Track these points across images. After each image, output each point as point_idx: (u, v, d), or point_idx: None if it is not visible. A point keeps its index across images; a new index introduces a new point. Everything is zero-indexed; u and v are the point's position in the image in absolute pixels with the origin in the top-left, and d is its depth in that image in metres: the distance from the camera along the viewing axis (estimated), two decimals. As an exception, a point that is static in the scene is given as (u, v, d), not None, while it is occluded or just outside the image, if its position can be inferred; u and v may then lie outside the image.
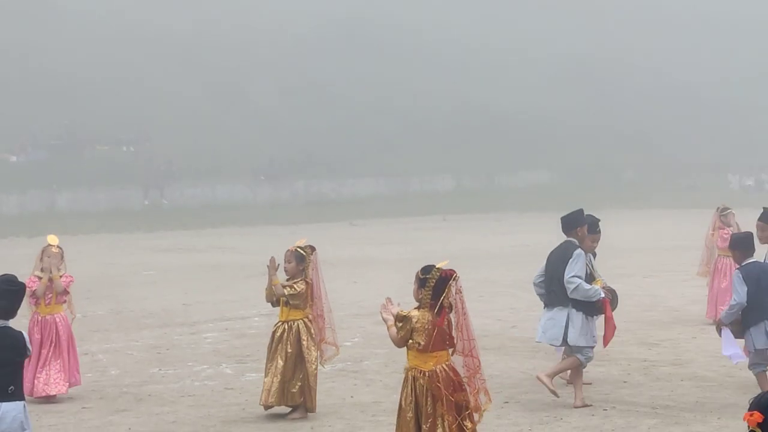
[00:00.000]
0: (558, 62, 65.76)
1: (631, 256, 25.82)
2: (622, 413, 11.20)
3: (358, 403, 12.03)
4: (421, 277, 8.34)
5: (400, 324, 8.34)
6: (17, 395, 7.70)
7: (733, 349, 11.77)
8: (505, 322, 17.55)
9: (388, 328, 8.40)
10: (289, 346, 11.44)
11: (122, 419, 11.57)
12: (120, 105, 52.85)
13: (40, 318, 12.91)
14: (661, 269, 23.95)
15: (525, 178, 55.49)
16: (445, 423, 8.26)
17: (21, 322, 13.08)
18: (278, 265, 11.96)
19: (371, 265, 27.31)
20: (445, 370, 8.32)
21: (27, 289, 12.94)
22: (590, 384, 12.60)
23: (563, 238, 12.06)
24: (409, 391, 8.38)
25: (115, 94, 53.54)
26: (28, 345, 7.81)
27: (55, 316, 12.90)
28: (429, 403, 8.31)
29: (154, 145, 51.44)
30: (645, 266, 23.75)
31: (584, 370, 12.85)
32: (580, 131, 59.51)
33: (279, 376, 11.35)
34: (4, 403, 7.62)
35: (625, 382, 12.78)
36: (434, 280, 8.22)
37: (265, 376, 11.47)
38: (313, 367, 11.45)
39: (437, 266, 8.30)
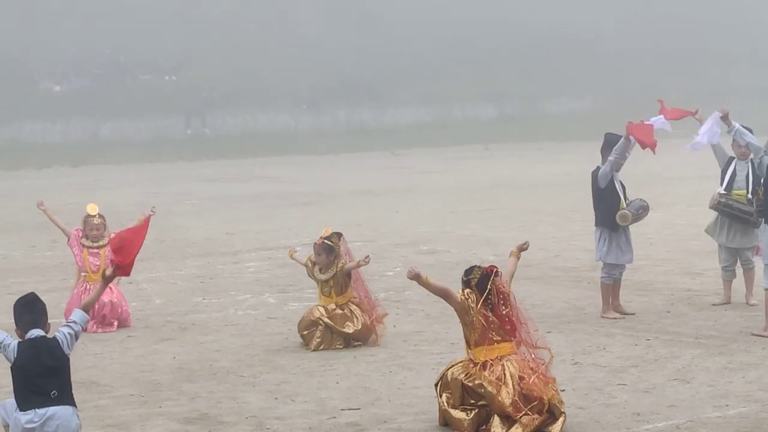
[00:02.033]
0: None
1: (675, 185, 25.62)
2: (665, 343, 11.18)
3: (400, 332, 12.07)
4: (465, 278, 8.79)
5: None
6: (63, 400, 7.77)
7: (708, 133, 11.96)
8: (548, 251, 17.49)
9: (425, 281, 8.61)
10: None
11: (167, 348, 11.68)
12: (162, 33, 52.76)
13: (88, 285, 12.92)
14: (705, 198, 23.72)
15: (567, 104, 55.01)
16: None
17: (64, 295, 13.21)
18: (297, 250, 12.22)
19: (412, 194, 27.28)
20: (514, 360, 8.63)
21: (73, 233, 13.09)
22: (633, 314, 12.59)
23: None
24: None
25: (157, 21, 53.44)
26: (65, 349, 7.88)
27: None
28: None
29: (195, 73, 51.39)
30: (689, 195, 23.55)
31: (627, 300, 12.87)
32: (623, 54, 58.82)
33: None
34: (50, 407, 7.72)
35: (668, 312, 12.74)
36: (476, 279, 8.65)
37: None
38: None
39: (477, 266, 8.78)
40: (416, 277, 8.58)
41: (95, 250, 13.04)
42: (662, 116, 12.79)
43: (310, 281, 12.66)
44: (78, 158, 40.54)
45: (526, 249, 9.25)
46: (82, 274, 13.07)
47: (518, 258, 9.24)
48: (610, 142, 12.61)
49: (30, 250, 19.15)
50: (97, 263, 13.00)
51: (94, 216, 13.15)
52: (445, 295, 8.71)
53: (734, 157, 12.83)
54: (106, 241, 13.07)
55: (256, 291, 14.87)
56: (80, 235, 13.12)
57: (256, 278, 15.89)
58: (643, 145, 12.36)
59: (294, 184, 30.84)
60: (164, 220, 22.86)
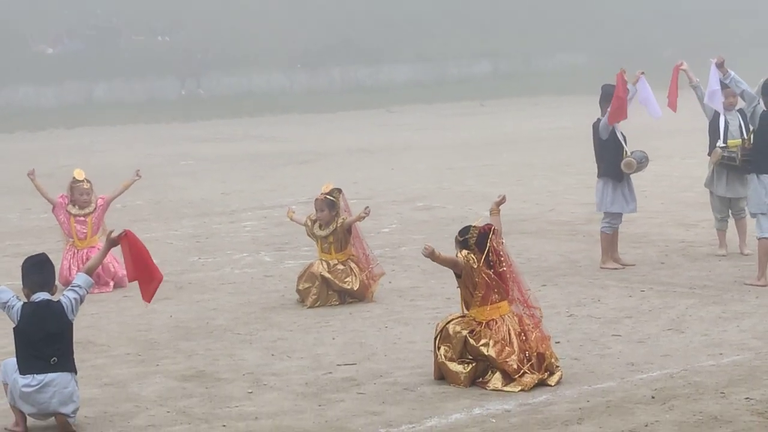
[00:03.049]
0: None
1: (669, 137, 25.63)
2: (659, 294, 11.23)
3: (396, 288, 12.12)
4: (461, 239, 8.75)
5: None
6: (62, 366, 7.82)
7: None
8: (543, 205, 17.53)
9: (437, 256, 8.60)
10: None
11: (163, 307, 11.72)
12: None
13: (76, 251, 12.89)
14: (700, 150, 23.72)
15: (562, 60, 54.81)
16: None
17: (59, 257, 13.21)
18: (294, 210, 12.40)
19: (409, 152, 27.26)
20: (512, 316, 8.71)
21: (59, 201, 13.05)
22: (633, 265, 12.63)
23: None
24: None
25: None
26: (69, 314, 7.89)
27: (94, 248, 12.75)
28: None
29: (189, 34, 51.16)
30: (683, 148, 23.56)
31: (622, 252, 12.91)
32: (617, 10, 58.63)
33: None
34: (49, 374, 7.76)
35: (662, 263, 12.79)
36: (474, 238, 8.63)
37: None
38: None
39: (473, 225, 8.72)
40: (431, 254, 8.56)
41: (82, 218, 13.00)
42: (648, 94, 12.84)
43: (307, 239, 12.69)
44: (72, 121, 40.42)
45: (503, 203, 9.17)
46: (69, 239, 13.05)
47: (499, 213, 9.18)
48: (608, 93, 12.64)
49: (25, 212, 19.16)
50: (84, 231, 12.97)
51: (82, 181, 13.06)
52: (453, 263, 8.72)
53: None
54: (93, 207, 13.03)
55: (252, 250, 14.90)
56: (66, 203, 13.06)
57: (253, 237, 15.92)
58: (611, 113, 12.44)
59: (289, 143, 30.80)
60: (159, 180, 22.86)
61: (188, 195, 20.80)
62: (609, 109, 12.49)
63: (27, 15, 48.53)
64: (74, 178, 13.14)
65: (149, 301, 8.27)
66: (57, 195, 13.18)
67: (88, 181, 13.16)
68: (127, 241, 8.08)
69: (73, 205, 13.04)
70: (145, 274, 8.16)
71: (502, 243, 8.77)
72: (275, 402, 8.39)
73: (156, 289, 8.20)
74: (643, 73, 12.90)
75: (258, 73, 49.01)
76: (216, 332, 10.57)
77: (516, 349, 8.55)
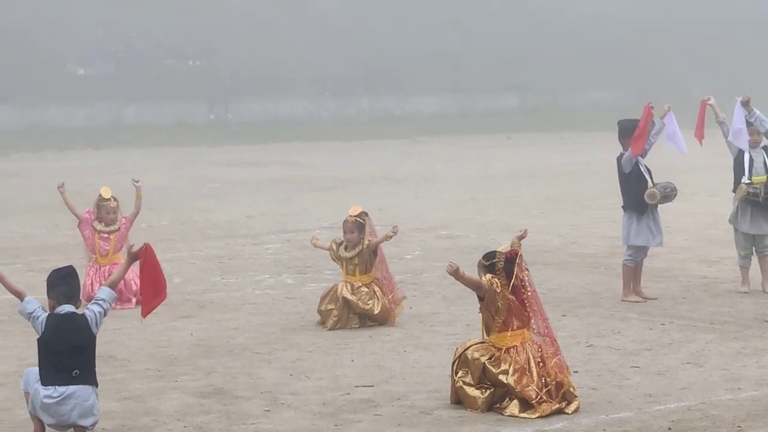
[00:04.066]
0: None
1: (695, 174, 25.58)
2: (679, 327, 11.22)
3: (416, 314, 12.14)
4: (487, 263, 8.70)
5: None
6: (84, 379, 7.86)
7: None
8: (566, 237, 17.54)
9: (461, 276, 8.58)
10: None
11: (185, 325, 11.79)
12: (186, 19, 52.88)
13: (99, 268, 13.00)
14: (726, 188, 23.68)
15: (590, 96, 54.87)
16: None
17: (80, 272, 13.31)
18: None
19: (433, 181, 27.33)
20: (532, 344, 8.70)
21: (85, 216, 13.15)
22: (655, 299, 12.63)
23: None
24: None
25: (182, 8, 53.55)
26: (93, 327, 7.95)
27: (116, 265, 12.81)
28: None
29: (219, 59, 51.49)
30: (710, 185, 23.52)
31: (644, 286, 12.90)
32: (647, 47, 58.65)
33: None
34: (70, 386, 7.82)
35: (684, 298, 12.78)
36: (502, 263, 8.61)
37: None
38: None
39: (499, 251, 8.70)
40: (455, 273, 8.56)
41: (106, 235, 13.11)
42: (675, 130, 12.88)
43: (330, 263, 12.75)
44: (101, 141, 40.69)
45: (524, 237, 9.14)
46: (92, 256, 13.15)
47: (520, 248, 9.13)
48: (625, 128, 12.72)
49: (52, 229, 19.31)
50: (107, 247, 13.08)
51: (109, 199, 13.16)
52: (477, 286, 8.71)
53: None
54: (117, 225, 13.14)
55: (274, 271, 14.97)
56: (92, 218, 13.17)
57: (275, 259, 15.99)
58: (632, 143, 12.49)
59: (315, 169, 30.92)
60: (185, 202, 23.01)
61: (213, 217, 20.91)
62: (632, 141, 12.53)
63: (60, 35, 48.96)
64: (101, 195, 13.23)
65: (145, 317, 8.31)
66: (84, 211, 13.29)
67: (115, 199, 13.26)
68: (145, 254, 8.15)
69: (99, 222, 13.15)
70: (151, 289, 8.21)
71: (526, 270, 8.78)
72: (292, 421, 8.43)
73: (156, 307, 8.25)
74: (670, 107, 12.93)
75: (286, 100, 49.24)
76: (235, 351, 10.62)
77: (535, 377, 8.56)
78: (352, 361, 10.19)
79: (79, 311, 8.04)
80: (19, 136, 41.71)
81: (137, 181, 13.47)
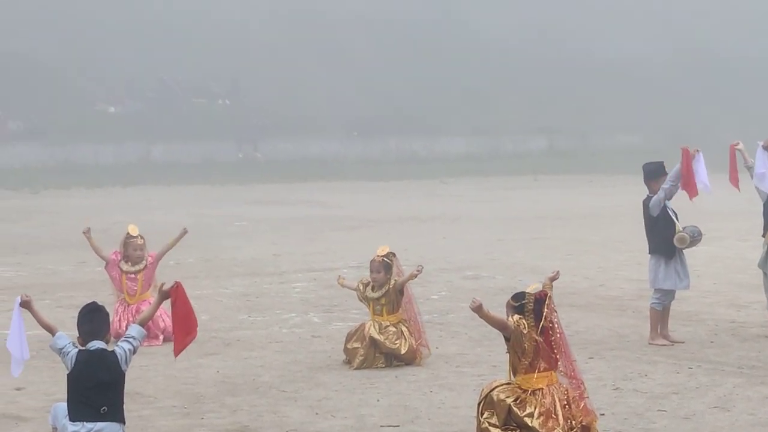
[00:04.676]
0: (652, 16, 64.78)
1: (724, 219, 25.51)
2: (707, 372, 11.16)
3: (442, 354, 12.12)
4: (516, 304, 8.64)
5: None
6: (112, 416, 7.89)
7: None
8: (593, 280, 17.49)
9: (485, 313, 8.56)
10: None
11: (211, 362, 11.81)
12: (216, 59, 53.28)
13: (127, 306, 13.07)
14: (756, 233, 23.60)
15: (618, 139, 54.90)
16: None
17: (111, 309, 13.40)
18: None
19: (460, 222, 27.34)
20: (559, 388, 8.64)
21: (112, 258, 13.22)
22: (683, 342, 12.57)
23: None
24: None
25: (211, 48, 53.96)
26: (122, 364, 7.99)
27: (144, 302, 12.92)
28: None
29: (248, 99, 51.83)
30: (738, 229, 23.46)
31: (671, 330, 12.86)
32: (675, 91, 58.67)
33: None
34: (98, 423, 7.85)
35: (712, 342, 12.71)
36: (531, 304, 8.55)
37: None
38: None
39: (528, 291, 8.63)
40: (478, 309, 8.54)
41: (133, 275, 13.16)
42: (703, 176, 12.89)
43: (356, 301, 12.75)
44: (129, 179, 40.94)
45: (556, 279, 9.10)
46: (120, 294, 13.20)
47: (551, 289, 9.09)
48: (650, 171, 12.71)
49: (79, 266, 19.40)
50: (135, 288, 13.13)
51: (136, 237, 13.21)
52: (503, 326, 8.68)
53: None
54: (144, 264, 13.18)
55: (301, 310, 14.98)
56: (118, 259, 13.22)
57: (302, 298, 16.01)
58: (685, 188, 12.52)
59: (342, 209, 30.99)
60: (212, 240, 23.08)
61: (240, 255, 20.97)
62: (687, 187, 12.48)
63: (90, 73, 49.40)
64: (128, 233, 13.29)
65: (177, 355, 8.35)
66: (110, 251, 13.33)
67: (142, 237, 13.31)
68: (176, 292, 8.19)
69: (126, 261, 13.19)
70: (183, 327, 8.26)
71: (555, 312, 8.75)
72: (317, 459, 8.42)
73: (187, 345, 8.28)
74: (698, 150, 12.89)
75: (314, 140, 49.49)
76: (261, 389, 10.63)
77: (561, 420, 8.51)
78: (378, 400, 10.17)
79: (109, 348, 8.07)
80: (49, 172, 42.06)
81: (185, 231, 13.56)
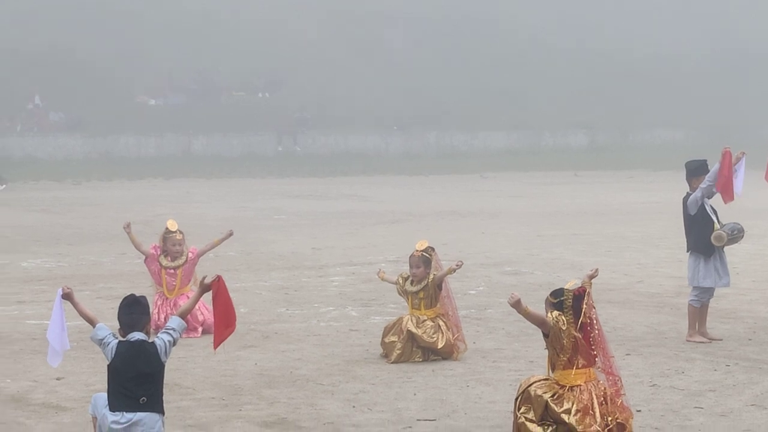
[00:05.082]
0: (694, 12, 64.34)
1: (764, 217, 25.35)
2: (744, 369, 11.13)
3: (480, 349, 12.15)
4: (555, 300, 8.65)
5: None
6: (150, 406, 7.97)
7: None
8: (632, 277, 17.44)
9: (524, 309, 8.58)
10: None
11: (249, 354, 11.90)
12: (256, 54, 53.41)
13: (166, 299, 13.16)
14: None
15: (659, 135, 54.58)
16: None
17: (151, 300, 13.49)
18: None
19: (499, 217, 27.31)
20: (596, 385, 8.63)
21: (151, 252, 13.32)
22: (720, 340, 12.54)
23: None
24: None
25: (252, 43, 54.12)
26: (162, 356, 8.07)
27: (183, 296, 13.03)
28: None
29: (288, 92, 51.94)
30: (779, 227, 23.31)
31: (709, 327, 12.82)
32: (716, 86, 58.25)
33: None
34: (137, 413, 7.93)
35: (750, 339, 12.66)
36: (570, 301, 8.57)
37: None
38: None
39: (567, 288, 8.65)
40: (516, 304, 8.56)
41: (172, 271, 13.26)
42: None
43: (394, 296, 12.80)
44: (170, 172, 41.17)
45: (596, 276, 9.08)
46: (159, 288, 13.30)
47: (590, 287, 9.07)
48: (692, 169, 12.67)
49: (119, 257, 19.56)
50: (174, 283, 13.22)
51: (175, 232, 13.29)
52: (541, 322, 8.70)
53: None
54: (184, 259, 13.27)
55: (339, 304, 15.05)
56: (158, 254, 13.32)
57: (340, 292, 16.07)
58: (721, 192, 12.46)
59: (381, 203, 31.04)
60: (252, 233, 23.19)
61: (279, 248, 21.07)
62: (723, 191, 12.43)
63: (131, 66, 49.64)
64: (167, 228, 13.37)
65: (216, 348, 8.43)
66: (150, 245, 13.44)
67: (181, 232, 13.40)
68: (218, 285, 8.28)
69: (165, 256, 13.28)
70: (223, 319, 8.34)
71: (594, 308, 8.75)
72: (354, 452, 8.47)
73: (227, 338, 8.37)
74: (744, 153, 12.77)
75: (354, 134, 49.51)
76: (299, 382, 10.70)
77: (597, 417, 8.52)
78: (415, 394, 10.22)
79: (150, 339, 8.16)
80: (91, 164, 42.38)
81: (230, 234, 13.67)
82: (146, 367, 8.00)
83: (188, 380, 10.74)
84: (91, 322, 8.25)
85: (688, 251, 12.75)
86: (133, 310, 8.20)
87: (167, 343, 8.10)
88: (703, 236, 12.46)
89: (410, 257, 11.99)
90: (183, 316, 8.38)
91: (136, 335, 8.10)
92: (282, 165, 44.35)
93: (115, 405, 7.97)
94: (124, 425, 7.92)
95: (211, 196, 33.23)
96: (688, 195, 12.66)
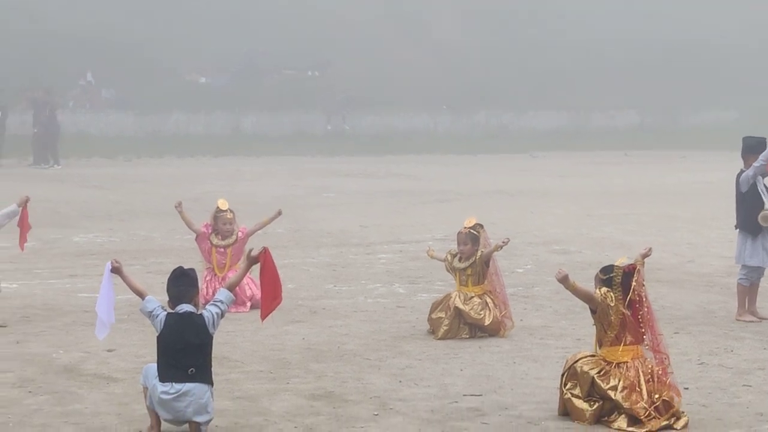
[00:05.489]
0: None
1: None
2: (794, 349, 11.07)
3: (527, 326, 12.15)
4: (604, 277, 8.66)
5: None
6: (199, 377, 8.05)
7: None
8: (682, 256, 17.35)
9: (571, 284, 8.61)
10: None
11: (297, 329, 11.96)
12: (305, 34, 53.42)
13: (215, 275, 13.25)
14: None
15: (710, 115, 54.14)
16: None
17: (199, 275, 13.60)
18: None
19: (548, 196, 27.25)
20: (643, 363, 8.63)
21: (202, 231, 13.41)
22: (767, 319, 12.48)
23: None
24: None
25: (302, 23, 54.14)
26: (210, 327, 8.14)
27: (232, 270, 13.07)
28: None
29: (338, 71, 51.95)
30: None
31: (760, 306, 12.74)
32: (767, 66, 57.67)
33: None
34: (186, 384, 8.02)
35: (801, 318, 12.58)
36: (619, 278, 8.57)
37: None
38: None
39: (617, 265, 8.63)
40: (564, 280, 8.57)
41: (222, 249, 13.35)
42: None
43: (442, 274, 12.81)
44: (219, 149, 41.37)
45: (649, 255, 9.03)
46: (208, 265, 13.40)
47: (643, 266, 8.99)
48: (749, 146, 12.56)
49: (169, 232, 19.71)
50: (224, 261, 13.32)
51: (226, 211, 13.38)
52: (589, 298, 8.70)
53: None
54: (234, 238, 13.35)
55: (386, 281, 15.09)
56: (209, 232, 13.41)
57: (387, 269, 16.11)
58: None
59: (430, 182, 31.04)
60: (301, 211, 23.29)
61: (327, 226, 21.14)
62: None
63: (181, 45, 49.79)
64: (218, 207, 13.46)
65: (264, 319, 8.50)
66: (201, 223, 13.53)
67: (231, 211, 13.48)
68: (264, 257, 8.35)
69: (216, 235, 13.38)
70: (270, 291, 8.41)
71: (643, 285, 8.73)
72: (400, 426, 8.51)
73: (273, 310, 8.43)
74: None
75: (403, 113, 49.47)
76: (346, 356, 10.75)
77: (644, 394, 8.51)
78: (461, 370, 10.24)
79: (198, 312, 8.24)
80: (141, 142, 42.66)
81: (280, 213, 13.75)
82: (194, 339, 8.09)
83: (237, 353, 10.82)
84: (141, 295, 8.35)
85: (736, 228, 12.68)
86: (181, 282, 8.29)
87: (215, 315, 8.18)
88: (751, 215, 12.38)
89: (458, 234, 12.00)
90: (231, 288, 8.45)
91: (185, 307, 8.18)
92: (331, 144, 44.44)
93: (164, 376, 8.07)
94: (174, 395, 8.02)
95: (260, 174, 33.38)
96: (741, 172, 12.56)
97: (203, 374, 8.12)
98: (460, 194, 27.46)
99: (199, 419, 8.08)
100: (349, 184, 30.36)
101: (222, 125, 46.61)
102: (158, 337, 8.20)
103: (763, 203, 12.40)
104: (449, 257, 12.02)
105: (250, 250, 8.53)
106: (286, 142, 43.88)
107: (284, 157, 39.96)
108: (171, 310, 8.22)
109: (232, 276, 10.16)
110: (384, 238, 19.50)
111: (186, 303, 8.23)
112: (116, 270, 8.41)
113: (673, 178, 32.69)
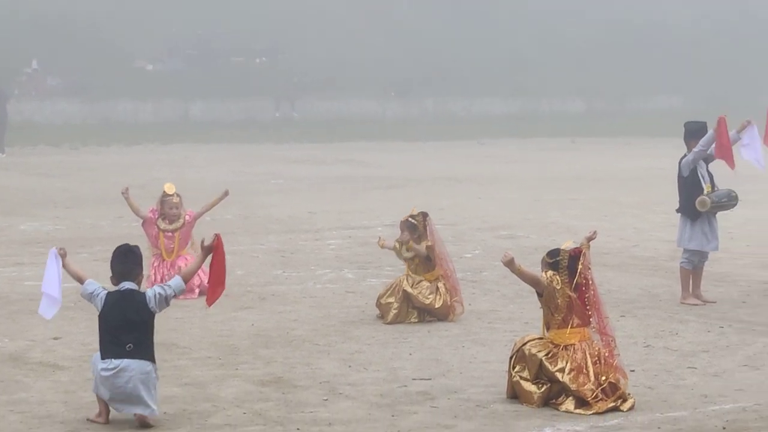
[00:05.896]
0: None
1: (763, 182, 25.37)
2: (738, 331, 11.21)
3: (475, 310, 12.22)
4: (550, 260, 8.74)
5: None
6: (138, 354, 8.04)
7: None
8: (628, 240, 17.51)
9: (517, 268, 8.67)
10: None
11: (246, 315, 11.97)
12: (254, 17, 53.26)
13: (162, 261, 13.21)
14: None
15: (658, 102, 54.56)
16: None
17: (148, 262, 13.54)
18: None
19: (496, 183, 27.36)
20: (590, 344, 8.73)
21: (149, 216, 13.36)
22: (715, 302, 12.61)
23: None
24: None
25: (250, 6, 53.95)
26: (151, 305, 8.14)
27: (180, 257, 13.11)
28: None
29: (286, 57, 51.82)
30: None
31: (704, 290, 12.88)
32: (716, 53, 58.15)
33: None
34: (124, 360, 8.01)
35: (743, 302, 12.74)
36: (566, 261, 8.67)
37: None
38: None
39: (563, 248, 8.74)
40: (510, 263, 8.64)
41: (170, 234, 13.31)
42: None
43: (390, 259, 12.85)
44: (168, 137, 41.13)
45: (594, 239, 9.11)
46: (156, 250, 13.35)
47: (588, 249, 9.04)
48: (691, 131, 12.69)
49: (117, 220, 19.60)
50: (172, 246, 13.27)
51: (172, 195, 13.33)
52: (535, 282, 8.77)
53: None
54: (181, 222, 13.31)
55: (335, 266, 15.11)
56: (155, 217, 13.36)
57: (336, 255, 16.13)
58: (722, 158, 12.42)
59: (379, 168, 31.06)
60: (249, 197, 23.23)
61: (276, 212, 21.11)
62: (724, 158, 12.37)
63: (129, 31, 49.48)
64: (164, 192, 13.41)
65: (210, 305, 8.52)
66: (148, 209, 13.48)
67: (178, 195, 13.44)
68: (217, 244, 8.37)
69: (163, 219, 13.33)
70: (217, 277, 8.43)
71: (590, 269, 8.81)
72: (349, 410, 8.55)
73: (219, 296, 8.44)
74: (749, 121, 12.67)
75: (352, 99, 49.47)
76: (295, 342, 10.77)
77: (591, 376, 8.60)
78: (410, 354, 10.30)
79: (141, 290, 8.26)
80: (88, 130, 42.30)
81: (226, 194, 13.70)
82: (135, 316, 8.10)
83: (185, 340, 10.81)
84: (80, 280, 8.37)
85: (677, 212, 12.82)
86: (128, 259, 8.30)
87: (158, 295, 8.18)
88: (691, 199, 12.50)
89: (399, 222, 12.11)
90: (186, 277, 8.45)
91: (127, 284, 8.21)
92: (280, 130, 44.32)
93: (104, 352, 8.09)
94: (113, 371, 8.02)
95: (208, 161, 33.24)
96: (684, 156, 12.68)
97: (143, 351, 8.10)
98: (408, 180, 27.51)
99: (140, 393, 7.99)
100: (298, 170, 30.32)
101: (170, 112, 46.39)
102: (99, 316, 8.22)
103: (702, 188, 12.52)
104: (398, 245, 12.07)
105: (203, 240, 8.52)
106: (235, 129, 43.71)
107: (233, 145, 39.80)
108: (113, 288, 8.22)
109: (187, 265, 10.12)
110: (333, 224, 19.52)
111: (130, 281, 8.23)
112: (60, 257, 8.41)
113: (619, 165, 32.91)
